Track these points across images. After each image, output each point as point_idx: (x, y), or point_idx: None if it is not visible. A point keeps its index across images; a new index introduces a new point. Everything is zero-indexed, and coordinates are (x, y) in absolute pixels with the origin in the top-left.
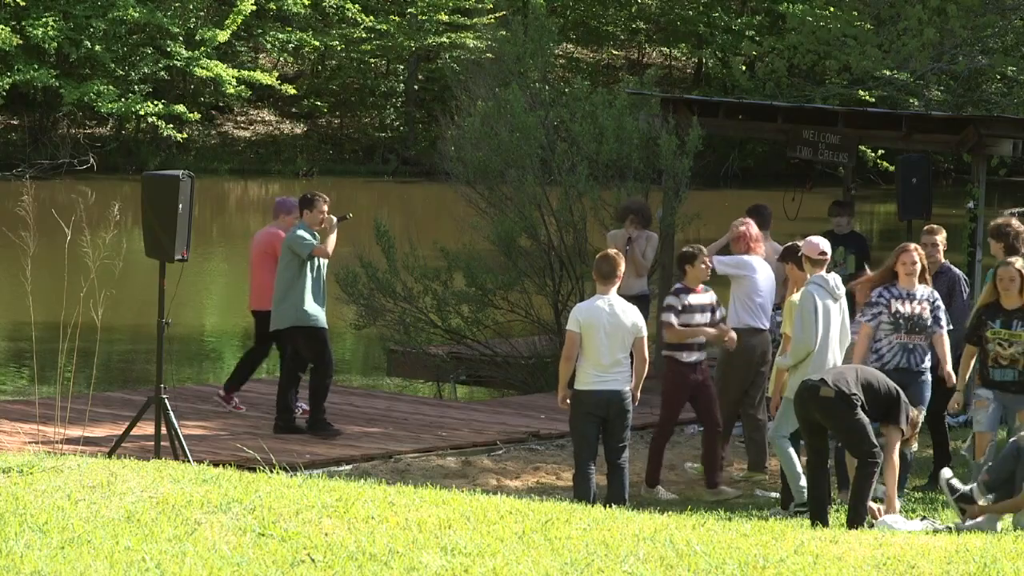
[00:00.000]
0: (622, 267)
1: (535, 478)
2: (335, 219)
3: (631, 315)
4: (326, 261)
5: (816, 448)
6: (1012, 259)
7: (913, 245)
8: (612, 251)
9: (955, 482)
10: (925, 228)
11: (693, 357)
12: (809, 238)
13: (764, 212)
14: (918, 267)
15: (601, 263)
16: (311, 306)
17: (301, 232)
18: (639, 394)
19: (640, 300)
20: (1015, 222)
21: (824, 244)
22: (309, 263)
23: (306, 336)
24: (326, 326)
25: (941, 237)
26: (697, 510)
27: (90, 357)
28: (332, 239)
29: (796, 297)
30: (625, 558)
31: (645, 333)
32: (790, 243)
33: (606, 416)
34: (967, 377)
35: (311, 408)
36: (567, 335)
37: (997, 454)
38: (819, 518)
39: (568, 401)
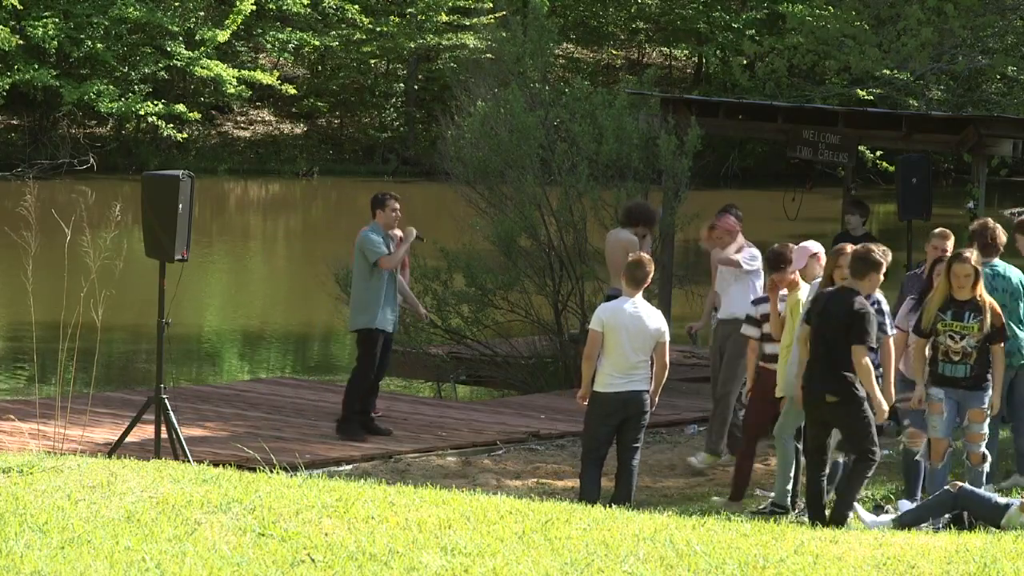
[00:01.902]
0: (652, 272)
1: (535, 478)
2: (414, 232)
3: (656, 320)
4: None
5: (818, 446)
6: (967, 254)
7: (849, 246)
8: (646, 256)
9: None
10: (937, 231)
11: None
12: (802, 244)
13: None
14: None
15: (635, 268)
16: (384, 309)
17: (374, 236)
18: (656, 399)
19: None
20: (990, 222)
21: (815, 245)
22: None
23: (366, 336)
24: (386, 329)
25: (951, 243)
26: (697, 510)
27: (90, 357)
28: (401, 252)
29: (801, 294)
30: (625, 558)
31: (668, 338)
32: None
33: (625, 417)
34: (923, 372)
35: (344, 407)
36: (589, 334)
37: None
38: (815, 514)
39: (586, 400)
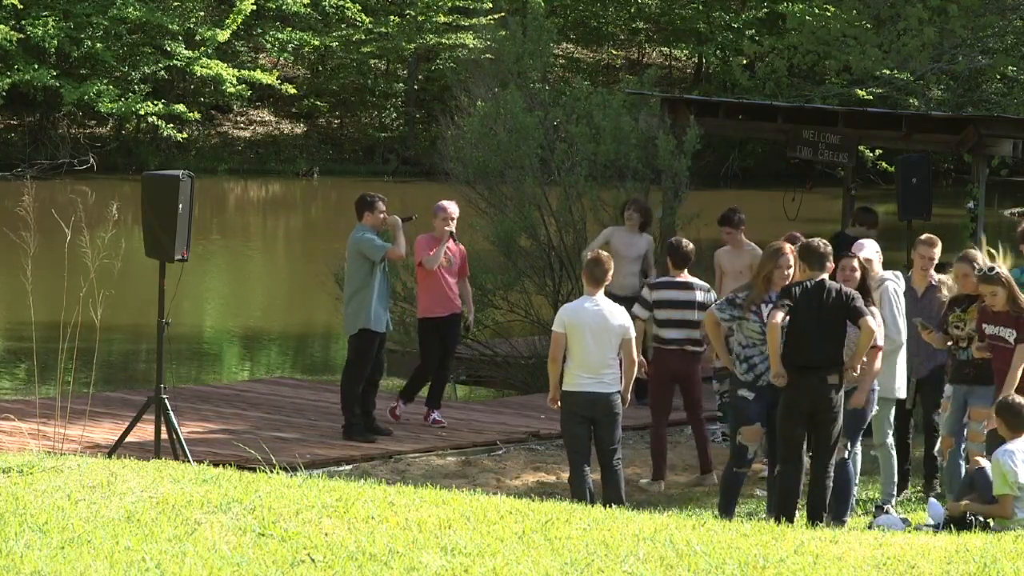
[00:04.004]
0: (612, 271)
1: (535, 478)
2: (399, 219)
3: (619, 316)
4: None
5: (800, 441)
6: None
7: (788, 247)
8: (604, 254)
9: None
10: (924, 238)
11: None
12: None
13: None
14: (793, 271)
15: (594, 267)
16: (377, 310)
17: (370, 235)
18: (629, 396)
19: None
20: None
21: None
22: (381, 267)
23: (360, 336)
24: (380, 330)
25: (938, 250)
26: (697, 510)
27: (90, 357)
28: (401, 240)
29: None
30: (625, 558)
31: (633, 334)
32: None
33: (593, 417)
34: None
35: (344, 412)
36: (552, 336)
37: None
38: (785, 513)
39: (556, 402)
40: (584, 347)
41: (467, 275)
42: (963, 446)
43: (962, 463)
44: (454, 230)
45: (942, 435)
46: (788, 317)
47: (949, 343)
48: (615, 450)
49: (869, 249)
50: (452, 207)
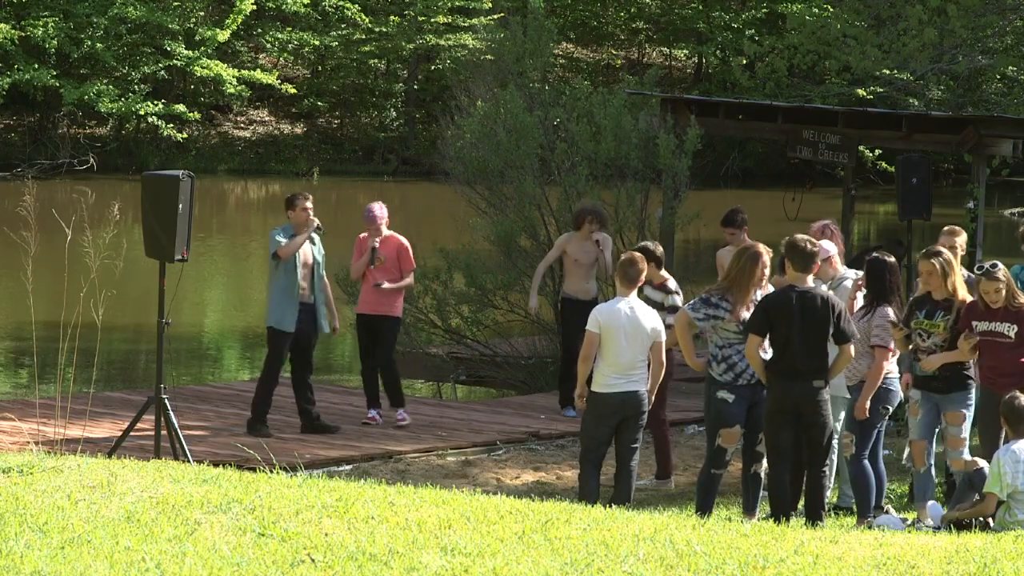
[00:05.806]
0: (645, 271)
1: (535, 478)
2: (315, 223)
3: (651, 319)
4: (304, 263)
5: (785, 444)
6: (935, 249)
7: (764, 249)
8: (638, 255)
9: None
10: (946, 229)
11: None
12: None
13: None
14: (768, 271)
15: (628, 267)
16: (278, 307)
17: (276, 233)
18: (654, 397)
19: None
20: None
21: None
22: (284, 265)
23: (270, 335)
24: (287, 329)
25: (961, 240)
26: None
27: (90, 357)
28: (296, 240)
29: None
30: (625, 558)
31: (664, 337)
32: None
33: (624, 416)
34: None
35: (252, 406)
36: (586, 335)
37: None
38: (781, 514)
39: (583, 399)
40: (617, 348)
41: (412, 268)
42: (934, 452)
43: (931, 464)
44: (376, 233)
45: (912, 439)
46: (764, 335)
47: (910, 348)
48: (635, 449)
49: (829, 247)
50: (375, 208)
